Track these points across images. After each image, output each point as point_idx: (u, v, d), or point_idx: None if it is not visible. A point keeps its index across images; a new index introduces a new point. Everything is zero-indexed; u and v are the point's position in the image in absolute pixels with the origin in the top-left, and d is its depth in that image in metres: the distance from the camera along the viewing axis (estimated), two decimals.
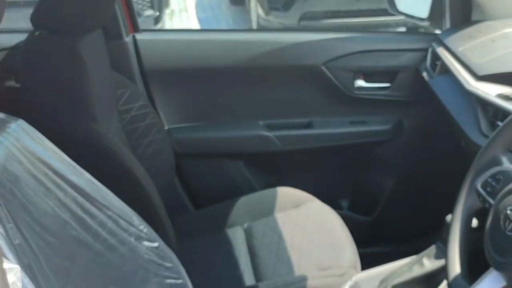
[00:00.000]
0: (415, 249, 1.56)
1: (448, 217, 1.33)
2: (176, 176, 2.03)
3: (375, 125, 2.06)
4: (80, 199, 0.99)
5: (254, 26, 4.92)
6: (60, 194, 0.95)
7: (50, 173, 0.91)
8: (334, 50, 1.96)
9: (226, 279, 1.62)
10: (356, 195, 2.20)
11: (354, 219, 2.12)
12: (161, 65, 1.96)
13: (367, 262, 1.66)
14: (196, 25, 5.89)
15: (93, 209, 1.01)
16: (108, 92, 1.65)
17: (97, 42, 1.62)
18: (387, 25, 4.52)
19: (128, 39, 1.89)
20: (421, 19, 1.99)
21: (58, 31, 1.43)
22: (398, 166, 2.12)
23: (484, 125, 1.45)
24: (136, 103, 1.79)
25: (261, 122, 2.05)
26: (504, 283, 0.97)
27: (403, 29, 4.56)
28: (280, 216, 1.80)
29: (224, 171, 2.07)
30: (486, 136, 1.43)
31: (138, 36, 1.94)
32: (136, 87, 1.85)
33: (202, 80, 1.98)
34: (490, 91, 1.47)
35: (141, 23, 2.02)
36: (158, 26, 4.64)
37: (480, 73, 1.54)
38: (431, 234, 2.01)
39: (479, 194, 1.08)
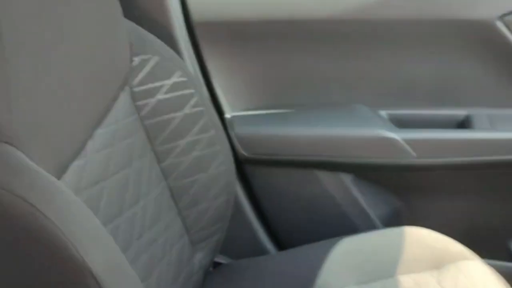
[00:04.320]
0: None
1: None
2: (240, 192, 1.37)
3: None
4: None
5: None
6: None
7: None
8: None
9: None
10: None
11: None
12: (220, 15, 1.29)
13: None
14: None
15: None
16: (101, 64, 0.95)
17: None
18: None
19: None
20: None
21: None
22: None
23: None
24: (167, 78, 1.10)
25: (383, 113, 1.36)
26: None
27: None
28: (406, 282, 1.13)
29: (318, 190, 1.40)
30: None
31: None
32: (170, 52, 1.15)
33: (284, 40, 1.32)
34: None
35: None
36: None
37: None
38: None
39: None
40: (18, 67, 0.70)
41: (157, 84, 1.07)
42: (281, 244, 1.44)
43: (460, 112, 1.37)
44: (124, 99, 1.01)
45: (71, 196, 0.68)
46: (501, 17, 1.26)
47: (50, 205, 0.64)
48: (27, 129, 0.71)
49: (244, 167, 1.33)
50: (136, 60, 1.05)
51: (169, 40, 1.20)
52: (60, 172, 0.77)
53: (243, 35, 1.30)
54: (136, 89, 1.05)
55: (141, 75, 1.05)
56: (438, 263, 1.16)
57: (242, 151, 1.32)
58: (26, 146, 0.69)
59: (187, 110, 1.11)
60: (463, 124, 1.36)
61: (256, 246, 1.41)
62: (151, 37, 1.12)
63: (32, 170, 0.66)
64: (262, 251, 1.41)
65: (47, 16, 0.80)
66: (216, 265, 1.27)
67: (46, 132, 0.75)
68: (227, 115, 1.34)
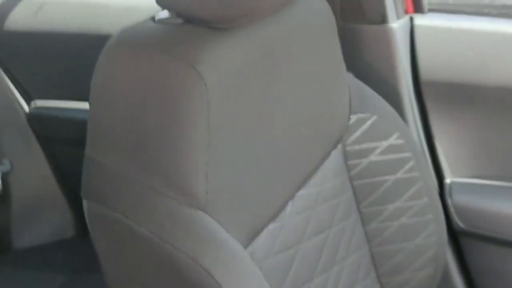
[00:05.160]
0: None
1: None
2: (452, 266, 1.18)
3: None
4: None
5: None
6: None
7: None
8: None
9: None
10: None
11: None
12: (451, 76, 1.12)
13: None
14: None
15: None
16: (317, 122, 0.89)
17: (307, 31, 0.88)
18: None
19: (396, 24, 1.10)
20: None
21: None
22: None
23: None
24: (384, 139, 1.00)
25: None
26: None
27: None
28: None
29: None
30: None
31: (420, 20, 1.13)
32: (390, 111, 1.04)
33: None
34: None
35: None
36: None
37: None
38: None
39: None
40: (221, 137, 0.67)
41: (372, 144, 0.99)
42: None
43: None
44: (335, 158, 0.95)
45: (255, 271, 0.65)
46: None
47: (232, 284, 0.62)
48: (223, 197, 0.68)
49: (458, 238, 1.16)
50: (354, 118, 0.98)
51: (393, 97, 1.10)
52: (253, 235, 0.73)
53: (473, 99, 1.13)
54: (349, 148, 0.98)
55: (356, 134, 0.98)
56: None
57: (459, 222, 1.15)
58: (221, 213, 0.66)
59: (400, 174, 1.00)
60: None
61: None
62: (372, 93, 1.03)
63: (221, 241, 0.64)
64: None
65: (264, 76, 0.76)
66: None
67: (243, 198, 0.71)
68: (447, 180, 1.17)
